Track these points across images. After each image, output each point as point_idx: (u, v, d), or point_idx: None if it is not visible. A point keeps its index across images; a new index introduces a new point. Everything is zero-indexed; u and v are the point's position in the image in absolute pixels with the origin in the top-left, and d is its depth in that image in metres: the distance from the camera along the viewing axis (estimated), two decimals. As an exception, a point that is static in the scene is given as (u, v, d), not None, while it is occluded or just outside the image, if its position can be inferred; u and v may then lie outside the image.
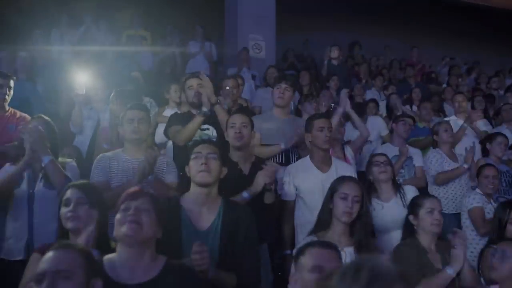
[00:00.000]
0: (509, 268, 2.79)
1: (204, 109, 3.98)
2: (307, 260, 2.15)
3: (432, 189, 4.91)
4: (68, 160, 3.68)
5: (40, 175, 3.39)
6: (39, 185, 3.39)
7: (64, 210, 2.63)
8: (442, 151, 4.99)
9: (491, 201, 4.32)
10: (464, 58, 10.97)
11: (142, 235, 2.19)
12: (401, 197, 3.83)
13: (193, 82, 4.29)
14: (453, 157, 5.01)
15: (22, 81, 4.86)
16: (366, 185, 3.91)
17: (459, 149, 5.34)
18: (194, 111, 4.22)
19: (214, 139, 4.05)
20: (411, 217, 3.37)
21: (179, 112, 4.70)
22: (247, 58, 7.64)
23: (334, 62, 8.20)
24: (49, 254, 1.91)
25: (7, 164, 3.49)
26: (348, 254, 2.79)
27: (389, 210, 3.79)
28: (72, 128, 4.68)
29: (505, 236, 3.42)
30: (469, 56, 11.19)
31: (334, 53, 8.18)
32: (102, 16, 7.53)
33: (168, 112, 4.80)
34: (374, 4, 10.45)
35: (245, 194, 3.33)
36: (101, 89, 4.88)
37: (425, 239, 3.26)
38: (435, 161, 4.90)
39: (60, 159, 3.56)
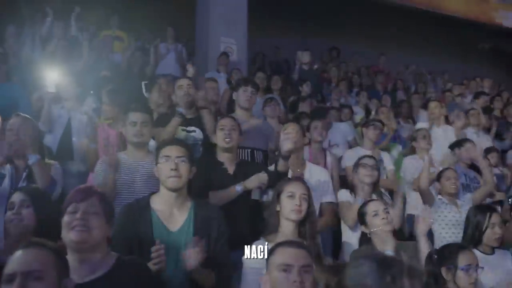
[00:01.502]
0: None
1: (180, 109, 4.00)
2: (276, 259, 2.18)
3: (410, 194, 5.01)
4: (53, 162, 3.61)
5: (24, 174, 3.31)
6: (22, 185, 3.29)
7: (8, 213, 2.61)
8: (419, 157, 5.08)
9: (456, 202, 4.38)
10: (428, 66, 11.25)
11: (92, 239, 2.10)
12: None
13: (183, 82, 4.36)
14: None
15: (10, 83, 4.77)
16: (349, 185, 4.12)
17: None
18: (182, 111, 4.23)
19: (200, 141, 4.11)
20: (362, 227, 3.45)
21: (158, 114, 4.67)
22: (226, 62, 7.65)
23: (305, 67, 8.29)
24: (19, 252, 1.78)
25: None
26: None
27: None
28: (41, 126, 4.59)
29: (482, 241, 3.49)
30: (433, 64, 11.47)
31: (305, 58, 8.27)
32: (73, 12, 7.37)
33: None
34: (344, 10, 10.59)
35: (238, 188, 3.46)
36: (71, 87, 4.80)
37: (379, 242, 3.28)
38: (411, 167, 4.99)
39: (45, 160, 3.50)
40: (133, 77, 6.42)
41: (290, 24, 10.30)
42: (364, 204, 3.53)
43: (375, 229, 3.31)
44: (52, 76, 4.34)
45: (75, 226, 2.08)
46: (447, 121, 6.47)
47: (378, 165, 4.21)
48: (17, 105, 4.63)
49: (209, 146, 4.09)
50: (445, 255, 2.98)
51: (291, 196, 2.95)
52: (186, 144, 2.96)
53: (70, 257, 2.07)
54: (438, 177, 4.50)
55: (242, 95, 4.42)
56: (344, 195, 4.05)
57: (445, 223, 4.24)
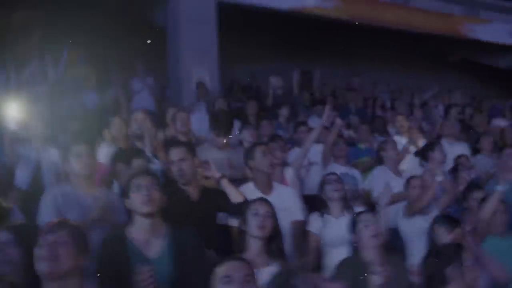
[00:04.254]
0: None
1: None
2: (218, 273, 2.25)
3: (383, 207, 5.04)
4: (11, 206, 3.63)
5: None
6: None
7: None
8: (387, 167, 5.15)
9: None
10: (402, 82, 11.45)
11: (60, 268, 2.22)
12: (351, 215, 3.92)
13: (138, 115, 4.52)
14: (398, 173, 5.18)
15: None
16: (318, 203, 4.15)
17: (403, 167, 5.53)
18: (137, 144, 4.29)
19: (160, 172, 4.12)
20: (351, 235, 3.46)
21: (116, 148, 4.71)
22: (205, 92, 7.70)
23: (279, 91, 8.41)
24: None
25: None
26: (266, 273, 2.83)
27: (339, 225, 3.90)
28: (7, 162, 4.59)
29: None
30: (406, 80, 11.68)
31: (278, 83, 8.41)
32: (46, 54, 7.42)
33: (104, 149, 4.79)
34: (317, 35, 10.78)
35: None
36: (39, 127, 4.83)
37: (368, 253, 3.32)
38: (379, 179, 5.05)
39: (4, 204, 3.52)
40: (108, 114, 6.44)
41: (262, 51, 10.42)
42: (360, 213, 3.58)
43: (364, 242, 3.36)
44: (12, 113, 4.37)
45: (42, 258, 2.21)
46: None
47: (343, 179, 4.29)
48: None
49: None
50: (449, 254, 3.02)
51: (256, 214, 3.07)
52: (155, 174, 3.08)
53: None
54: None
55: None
56: (311, 223, 4.11)
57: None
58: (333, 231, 3.94)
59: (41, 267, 2.21)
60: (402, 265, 3.44)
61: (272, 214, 3.13)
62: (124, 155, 4.29)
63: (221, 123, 4.74)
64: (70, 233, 2.29)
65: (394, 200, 4.86)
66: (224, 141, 4.63)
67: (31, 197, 4.49)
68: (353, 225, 3.46)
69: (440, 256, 3.04)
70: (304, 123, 6.43)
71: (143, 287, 2.47)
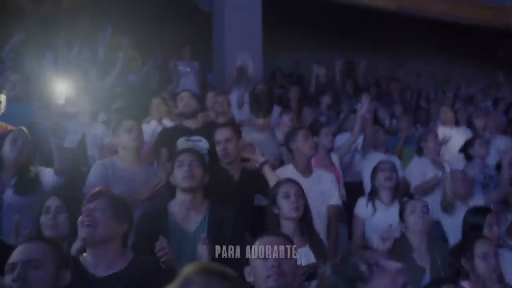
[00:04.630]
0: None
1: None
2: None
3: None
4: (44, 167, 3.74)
5: (12, 182, 3.45)
6: (9, 192, 3.43)
7: (43, 218, 2.76)
8: (427, 158, 5.07)
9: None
10: (447, 75, 11.18)
11: (97, 235, 2.30)
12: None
13: (184, 94, 4.53)
14: (438, 165, 5.09)
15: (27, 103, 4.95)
16: (370, 190, 4.20)
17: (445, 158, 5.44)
18: (185, 122, 4.34)
19: (206, 150, 4.18)
20: (400, 222, 3.51)
21: (166, 127, 4.80)
22: (245, 78, 7.51)
23: (321, 79, 8.36)
24: (21, 246, 2.00)
25: None
26: (302, 254, 2.84)
27: (389, 213, 3.91)
28: (53, 138, 4.74)
29: None
30: (451, 73, 11.40)
31: (321, 71, 8.35)
32: (95, 36, 7.60)
33: (146, 126, 4.88)
34: (362, 25, 10.64)
35: None
36: (86, 101, 4.98)
37: (414, 239, 3.41)
38: (417, 170, 4.98)
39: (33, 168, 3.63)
40: (151, 94, 6.56)
41: (307, 39, 10.36)
42: (407, 200, 3.62)
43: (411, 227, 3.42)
44: (61, 89, 4.51)
45: (82, 222, 2.29)
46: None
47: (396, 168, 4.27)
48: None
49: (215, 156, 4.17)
50: (463, 246, 3.05)
51: (287, 196, 3.03)
52: (198, 152, 3.17)
53: (87, 254, 2.33)
54: None
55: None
56: (360, 207, 4.13)
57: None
58: (383, 218, 3.92)
59: (81, 233, 2.31)
60: (446, 250, 3.42)
61: (303, 194, 3.10)
62: (169, 135, 4.36)
63: (261, 104, 4.77)
64: (109, 201, 2.38)
65: (428, 186, 4.84)
66: (263, 122, 4.64)
67: (75, 169, 4.65)
68: (401, 212, 3.52)
69: (459, 248, 3.05)
70: (353, 110, 6.39)
71: (160, 257, 2.52)
